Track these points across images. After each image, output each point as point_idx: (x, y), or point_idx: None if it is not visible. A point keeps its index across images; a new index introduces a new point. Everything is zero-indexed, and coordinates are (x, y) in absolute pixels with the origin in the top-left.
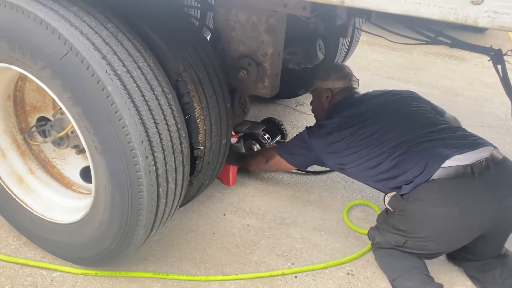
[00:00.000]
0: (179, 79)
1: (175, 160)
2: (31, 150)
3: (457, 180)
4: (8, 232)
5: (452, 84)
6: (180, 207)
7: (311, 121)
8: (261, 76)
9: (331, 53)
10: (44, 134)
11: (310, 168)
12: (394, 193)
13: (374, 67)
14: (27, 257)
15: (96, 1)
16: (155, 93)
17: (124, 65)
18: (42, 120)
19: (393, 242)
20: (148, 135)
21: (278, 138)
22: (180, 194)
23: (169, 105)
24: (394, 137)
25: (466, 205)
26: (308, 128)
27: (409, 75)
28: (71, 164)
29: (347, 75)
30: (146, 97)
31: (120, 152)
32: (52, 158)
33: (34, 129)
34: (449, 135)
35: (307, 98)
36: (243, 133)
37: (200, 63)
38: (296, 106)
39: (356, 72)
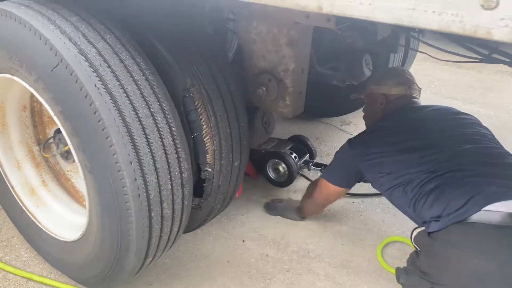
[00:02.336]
0: (187, 95)
1: (172, 183)
2: (47, 162)
3: (499, 230)
4: (22, 242)
5: None
6: (190, 231)
7: None
8: (282, 94)
9: (380, 69)
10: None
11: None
12: (423, 228)
13: (436, 85)
14: (35, 270)
15: (101, 10)
16: (151, 110)
17: (117, 79)
18: (60, 132)
19: (418, 285)
20: (138, 156)
21: (306, 157)
22: (181, 220)
23: (167, 123)
24: (440, 159)
25: (505, 261)
26: (349, 139)
27: (475, 95)
28: None
29: (406, 82)
30: (139, 114)
31: (108, 172)
32: (67, 171)
33: (51, 140)
34: (508, 173)
35: (354, 117)
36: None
37: (211, 78)
38: (341, 125)
39: None
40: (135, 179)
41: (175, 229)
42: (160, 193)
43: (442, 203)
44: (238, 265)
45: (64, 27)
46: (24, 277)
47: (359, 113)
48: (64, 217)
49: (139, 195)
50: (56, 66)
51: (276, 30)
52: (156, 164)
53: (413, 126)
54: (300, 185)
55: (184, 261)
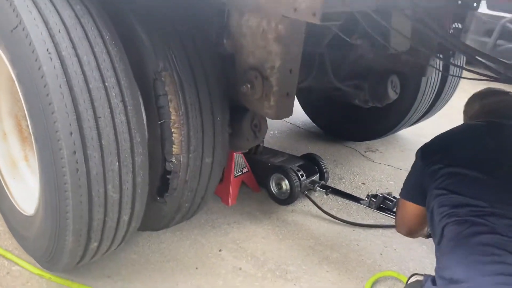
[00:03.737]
0: (158, 78)
1: (120, 165)
2: None
3: None
4: (1, 216)
5: None
6: (159, 229)
7: (378, 170)
8: (267, 93)
9: (409, 93)
10: None
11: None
12: (421, 278)
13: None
14: (4, 244)
15: None
16: (106, 83)
17: (73, 48)
18: None
19: None
20: (81, 128)
21: (315, 178)
22: (132, 208)
23: (123, 100)
24: (483, 204)
25: None
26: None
27: None
28: None
29: (472, 100)
30: (90, 86)
31: (48, 141)
32: None
33: None
34: None
35: (382, 144)
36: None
37: (187, 65)
38: (365, 152)
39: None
40: (74, 152)
41: (125, 217)
42: (104, 173)
43: (449, 264)
44: (206, 273)
45: None
46: None
47: (387, 140)
48: (33, 193)
49: (78, 169)
50: (16, 27)
51: (265, 24)
52: (102, 141)
53: (488, 143)
54: (301, 205)
55: (151, 260)
